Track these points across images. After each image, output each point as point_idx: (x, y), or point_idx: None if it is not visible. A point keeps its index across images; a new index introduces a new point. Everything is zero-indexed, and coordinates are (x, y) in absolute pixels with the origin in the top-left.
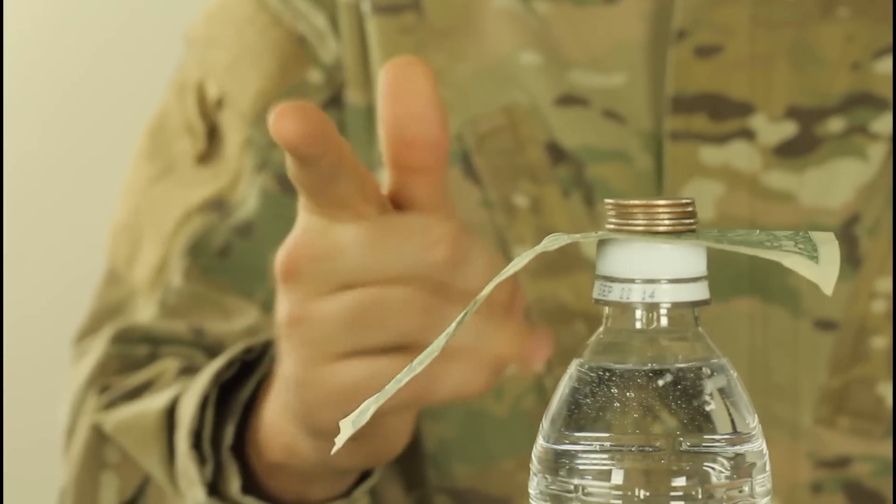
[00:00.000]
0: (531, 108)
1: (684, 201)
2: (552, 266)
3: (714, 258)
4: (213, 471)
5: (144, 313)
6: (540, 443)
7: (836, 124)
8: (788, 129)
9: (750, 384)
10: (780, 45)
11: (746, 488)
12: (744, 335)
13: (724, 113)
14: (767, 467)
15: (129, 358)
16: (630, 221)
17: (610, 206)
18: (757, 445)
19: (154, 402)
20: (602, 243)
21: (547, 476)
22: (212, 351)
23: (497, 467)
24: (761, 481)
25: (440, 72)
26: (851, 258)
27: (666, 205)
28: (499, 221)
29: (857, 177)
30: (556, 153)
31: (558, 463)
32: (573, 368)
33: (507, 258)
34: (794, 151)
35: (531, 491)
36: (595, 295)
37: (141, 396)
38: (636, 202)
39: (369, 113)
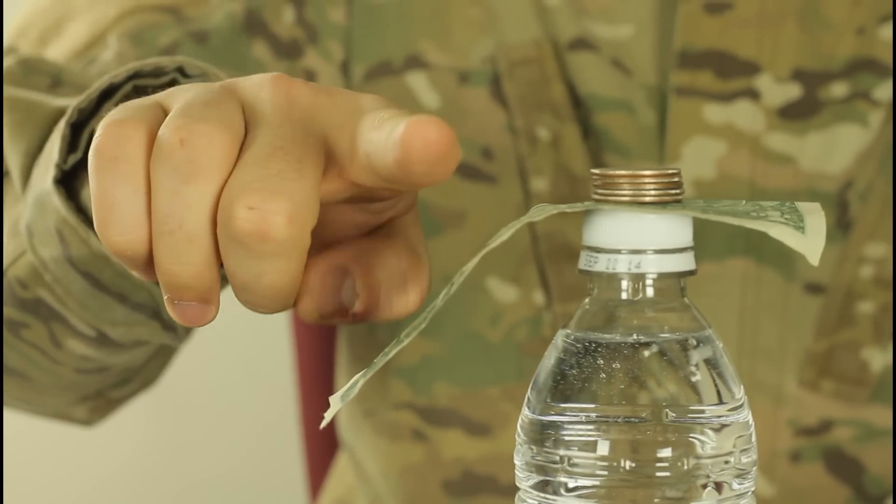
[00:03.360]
0: (554, 46)
1: (670, 171)
2: (564, 202)
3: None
4: (75, 164)
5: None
6: (525, 413)
7: (839, 89)
8: (793, 91)
9: (738, 346)
10: (790, 5)
11: (732, 459)
12: (735, 296)
13: (730, 71)
14: (753, 438)
15: (28, 83)
16: (616, 192)
17: (596, 176)
18: (743, 416)
19: (55, 100)
20: (588, 214)
21: (532, 447)
22: None
23: (481, 392)
24: (747, 452)
25: None
26: (842, 222)
27: (652, 175)
28: (521, 149)
29: (856, 143)
30: (574, 96)
31: (544, 434)
32: (559, 339)
33: (525, 186)
34: (796, 114)
35: (516, 462)
36: (581, 265)
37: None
38: (622, 172)
39: (400, 6)
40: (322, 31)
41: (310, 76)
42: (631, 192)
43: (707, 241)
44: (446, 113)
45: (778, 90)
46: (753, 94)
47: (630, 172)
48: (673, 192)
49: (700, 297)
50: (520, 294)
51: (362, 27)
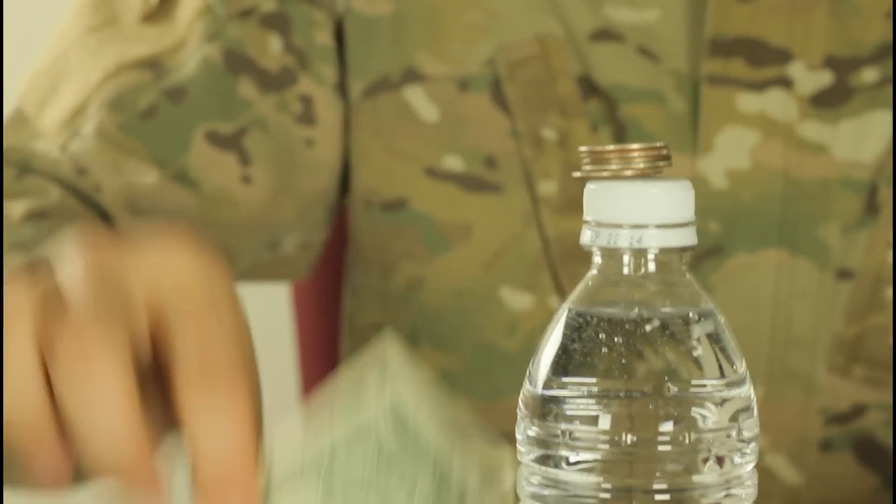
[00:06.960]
0: (566, 39)
1: (658, 145)
2: (575, 202)
3: (745, 209)
4: None
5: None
6: (527, 388)
7: (869, 74)
8: (824, 79)
9: (771, 336)
10: None
11: (733, 433)
12: (769, 286)
13: (762, 59)
14: (755, 412)
15: None
16: (605, 167)
17: (584, 153)
18: (744, 390)
19: None
20: (589, 189)
21: (534, 421)
22: (85, 198)
23: (504, 403)
24: (748, 426)
25: None
26: (871, 207)
27: (640, 148)
28: (526, 153)
29: (888, 129)
30: (589, 87)
31: (545, 408)
32: (561, 314)
33: (533, 192)
34: (829, 102)
35: (517, 436)
36: (583, 240)
37: None
38: (611, 147)
39: (395, 20)
40: (312, 56)
41: (306, 101)
42: (619, 167)
43: (740, 232)
44: (446, 124)
45: (810, 78)
46: (786, 83)
47: (619, 147)
48: (661, 163)
49: (734, 288)
50: (535, 300)
51: (357, 43)
